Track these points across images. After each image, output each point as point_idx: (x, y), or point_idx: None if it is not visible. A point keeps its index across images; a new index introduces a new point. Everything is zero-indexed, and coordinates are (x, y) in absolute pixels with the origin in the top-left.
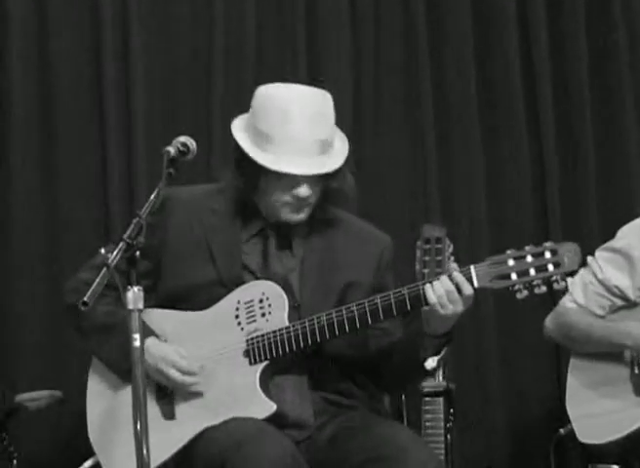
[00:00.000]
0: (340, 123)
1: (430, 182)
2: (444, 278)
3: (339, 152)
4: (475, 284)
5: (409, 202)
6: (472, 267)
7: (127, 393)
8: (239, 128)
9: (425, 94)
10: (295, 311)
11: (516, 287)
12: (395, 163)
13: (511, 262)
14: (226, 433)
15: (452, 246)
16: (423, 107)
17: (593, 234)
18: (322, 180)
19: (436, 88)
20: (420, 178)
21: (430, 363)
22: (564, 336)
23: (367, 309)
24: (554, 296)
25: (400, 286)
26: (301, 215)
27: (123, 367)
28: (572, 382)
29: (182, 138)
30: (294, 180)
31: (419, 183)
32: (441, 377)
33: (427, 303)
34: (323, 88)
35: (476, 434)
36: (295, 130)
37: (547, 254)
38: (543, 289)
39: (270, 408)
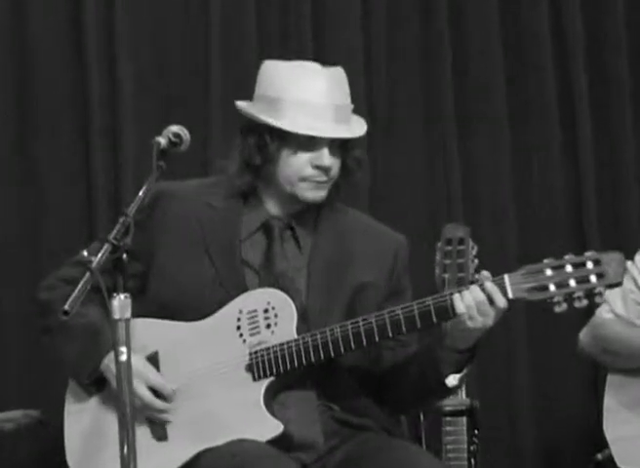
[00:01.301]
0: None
1: (452, 178)
2: (475, 287)
3: (358, 125)
4: (510, 295)
5: (427, 199)
6: (506, 277)
7: (111, 411)
8: (244, 104)
9: (446, 81)
10: (303, 321)
11: (555, 299)
12: (412, 158)
13: (549, 272)
14: (226, 456)
15: (476, 248)
16: (443, 96)
17: (633, 237)
18: (341, 153)
19: (457, 75)
20: (439, 174)
21: (452, 380)
22: (601, 351)
23: (387, 321)
24: (594, 309)
25: (417, 291)
26: (322, 193)
27: (86, 369)
28: (609, 402)
29: (175, 128)
30: (314, 148)
31: (438, 180)
32: (464, 394)
33: (455, 315)
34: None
35: (503, 458)
36: (310, 91)
37: (589, 265)
38: (584, 302)
39: (277, 428)
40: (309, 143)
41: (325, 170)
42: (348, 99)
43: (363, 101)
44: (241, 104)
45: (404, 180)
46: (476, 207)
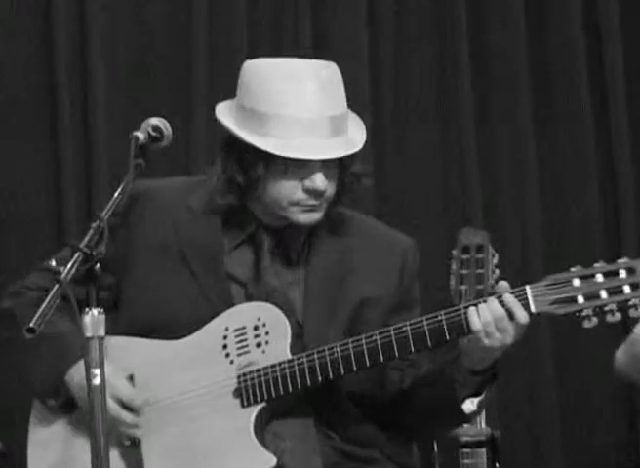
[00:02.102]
0: (354, 108)
1: (470, 177)
2: (492, 300)
3: (356, 133)
4: (532, 309)
5: (441, 200)
6: (528, 288)
7: (81, 441)
8: (225, 113)
9: (462, 70)
10: (298, 337)
11: (584, 313)
12: (424, 154)
13: (577, 282)
14: None
15: (496, 256)
16: (460, 84)
17: None
18: (338, 171)
19: (475, 58)
20: (455, 172)
21: (469, 405)
22: None
23: (393, 339)
24: (629, 324)
25: (428, 305)
26: (316, 216)
27: (49, 382)
28: None
29: (155, 121)
30: (306, 169)
31: (454, 178)
32: (483, 422)
33: (470, 332)
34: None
35: None
36: (299, 104)
37: (623, 273)
38: (617, 316)
39: (269, 461)
40: (300, 163)
41: (318, 194)
42: (344, 106)
43: (368, 94)
44: (222, 112)
45: (414, 180)
46: (496, 209)
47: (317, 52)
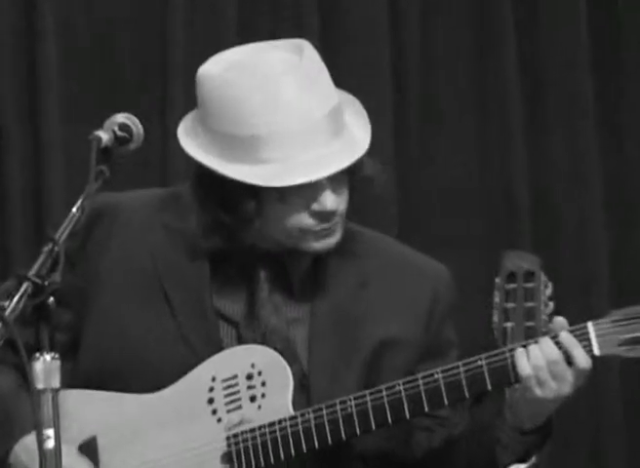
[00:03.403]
0: (370, 104)
1: (517, 188)
2: (546, 340)
3: (356, 122)
4: (596, 351)
5: (480, 216)
6: (591, 325)
7: None
8: (191, 138)
9: (507, 51)
10: (302, 390)
11: None
12: (458, 158)
13: None
14: None
15: (550, 285)
16: (505, 72)
17: None
18: (347, 179)
19: (523, 40)
20: (498, 181)
21: None
22: None
23: (422, 389)
24: None
25: (465, 347)
26: (333, 239)
27: None
28: None
29: (121, 118)
30: (310, 190)
31: (497, 189)
32: None
33: (518, 380)
34: None
35: None
36: (282, 116)
37: None
38: None
39: None
40: (301, 185)
41: (330, 215)
42: (332, 93)
43: (389, 82)
44: (188, 138)
45: (446, 190)
46: (550, 227)
47: (325, 34)
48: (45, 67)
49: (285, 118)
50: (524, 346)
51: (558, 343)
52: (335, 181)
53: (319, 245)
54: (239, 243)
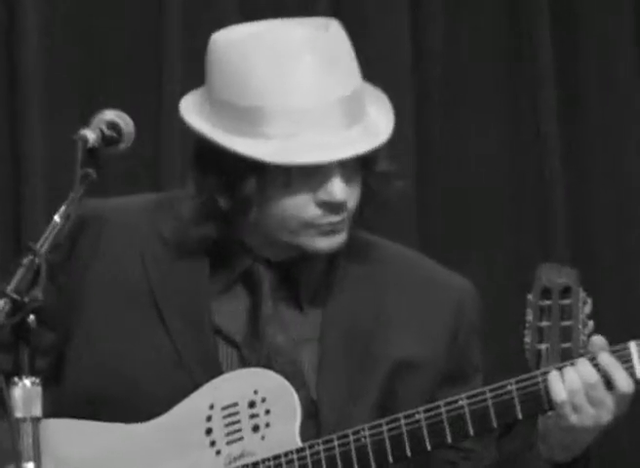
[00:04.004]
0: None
1: (552, 191)
2: (583, 362)
3: (378, 114)
4: (638, 373)
5: (510, 224)
6: (634, 345)
7: None
8: (193, 110)
9: (542, 38)
10: (310, 417)
11: None
12: (486, 156)
13: None
14: None
15: (589, 302)
16: (540, 59)
17: None
18: (361, 170)
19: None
20: (532, 183)
21: None
22: None
23: (445, 418)
24: None
25: (494, 371)
26: (338, 239)
27: None
28: None
29: (110, 115)
30: (318, 177)
31: (530, 192)
32: None
33: (552, 406)
34: None
35: None
36: (295, 91)
37: None
38: None
39: None
40: (309, 170)
41: (338, 207)
42: (356, 79)
43: (408, 73)
44: (189, 110)
45: (472, 192)
46: (589, 237)
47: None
48: (26, 64)
49: (295, 94)
50: (558, 369)
51: (597, 365)
52: (348, 171)
53: (323, 243)
54: (232, 233)
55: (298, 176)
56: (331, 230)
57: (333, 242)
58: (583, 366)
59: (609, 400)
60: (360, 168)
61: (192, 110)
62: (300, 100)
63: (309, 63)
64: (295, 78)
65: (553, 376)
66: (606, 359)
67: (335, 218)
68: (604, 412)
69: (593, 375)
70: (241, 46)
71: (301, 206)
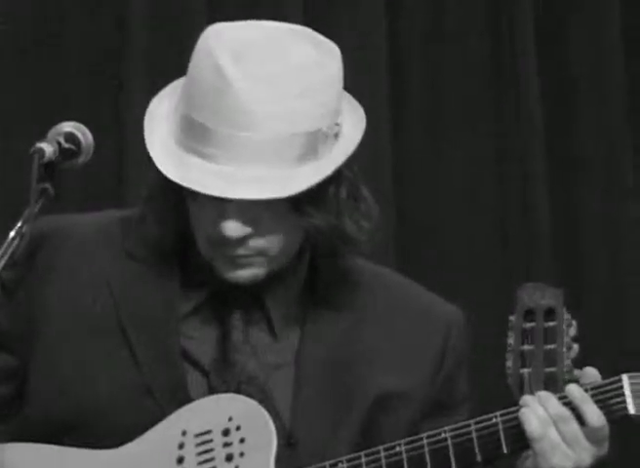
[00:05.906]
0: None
1: (537, 207)
2: (549, 397)
3: (321, 166)
4: (631, 409)
5: (493, 242)
6: (626, 378)
7: None
8: (164, 105)
9: (527, 43)
10: (287, 446)
11: None
12: (469, 171)
13: None
14: None
15: (574, 324)
16: (525, 67)
17: None
18: (293, 213)
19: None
20: (515, 199)
21: None
22: None
23: (426, 452)
24: None
25: (480, 399)
26: (247, 273)
27: None
28: None
29: (68, 127)
30: (221, 209)
31: (514, 208)
32: None
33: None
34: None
35: None
36: (224, 110)
37: None
38: None
39: None
40: (212, 197)
41: (228, 241)
42: (325, 115)
43: (385, 85)
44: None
45: (452, 210)
46: (576, 254)
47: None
48: None
49: (225, 114)
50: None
51: (565, 397)
52: (247, 209)
53: (231, 273)
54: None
55: (203, 200)
56: (238, 264)
57: (242, 275)
58: (550, 399)
59: (581, 438)
60: (289, 212)
61: (159, 110)
62: (225, 125)
63: (259, 73)
64: (231, 89)
65: (527, 409)
66: (575, 391)
67: (231, 251)
68: (584, 453)
69: (561, 409)
70: (208, 45)
71: (207, 224)
